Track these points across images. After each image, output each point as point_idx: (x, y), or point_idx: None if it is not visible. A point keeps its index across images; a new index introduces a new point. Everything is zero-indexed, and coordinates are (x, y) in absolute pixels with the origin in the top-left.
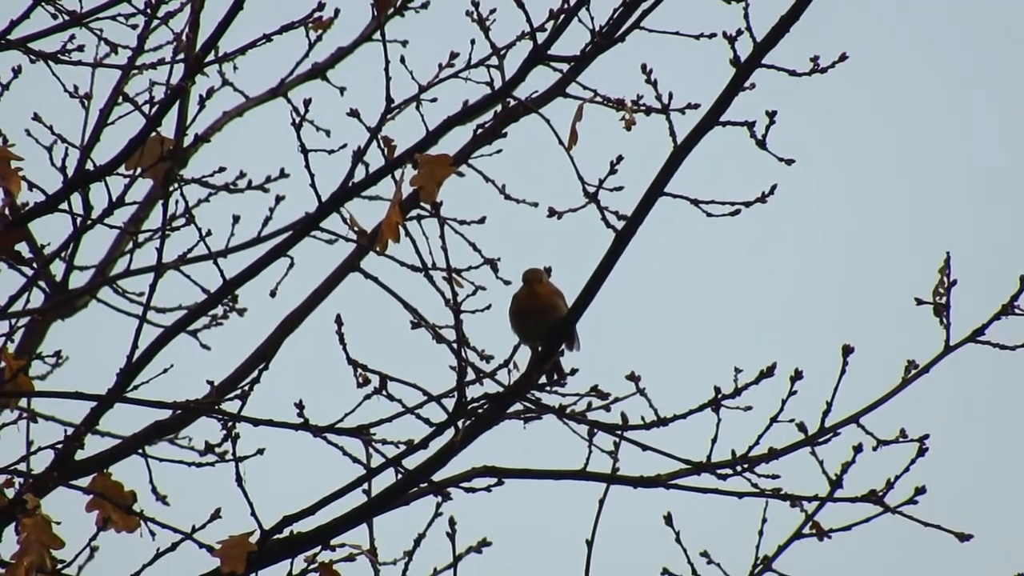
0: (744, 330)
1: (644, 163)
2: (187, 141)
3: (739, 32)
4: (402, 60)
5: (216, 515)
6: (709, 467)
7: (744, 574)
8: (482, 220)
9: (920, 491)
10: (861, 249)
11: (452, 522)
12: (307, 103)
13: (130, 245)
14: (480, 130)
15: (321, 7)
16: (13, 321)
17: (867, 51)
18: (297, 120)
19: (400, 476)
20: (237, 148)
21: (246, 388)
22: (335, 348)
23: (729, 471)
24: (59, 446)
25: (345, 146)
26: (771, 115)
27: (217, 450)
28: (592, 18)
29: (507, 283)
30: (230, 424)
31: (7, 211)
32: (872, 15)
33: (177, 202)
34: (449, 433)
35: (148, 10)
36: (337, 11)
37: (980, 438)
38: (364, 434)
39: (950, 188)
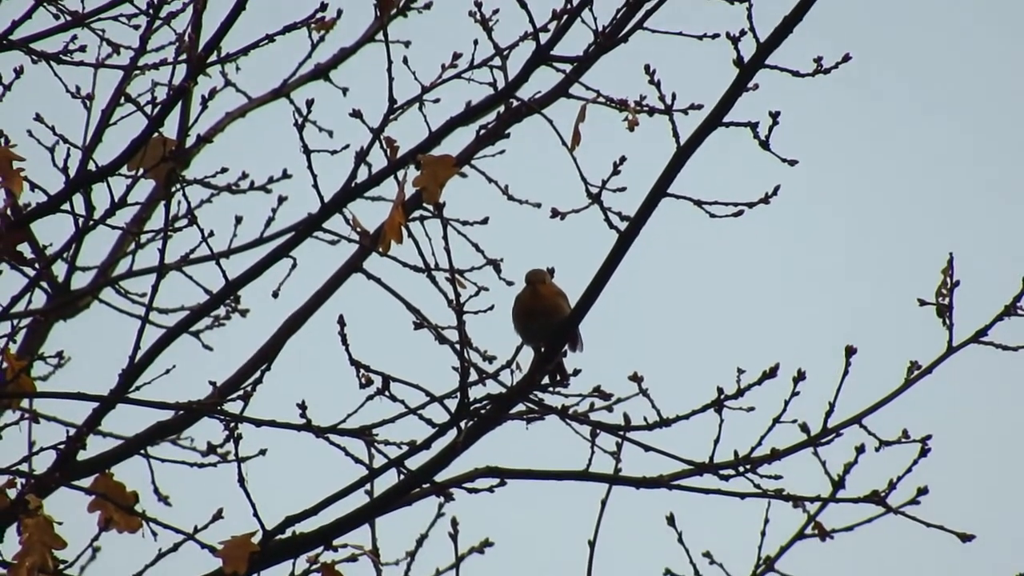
0: (747, 331)
1: (647, 164)
2: (189, 142)
3: (742, 33)
4: (405, 61)
5: (218, 516)
6: (711, 468)
7: (746, 574)
8: (485, 221)
9: (922, 492)
10: (864, 250)
11: (454, 523)
12: (310, 104)
13: (132, 246)
14: (483, 131)
15: (324, 7)
16: (15, 322)
17: (870, 52)
18: (300, 121)
19: (402, 477)
20: (239, 149)
21: (248, 389)
22: (338, 349)
23: (732, 472)
24: (61, 447)
25: (348, 147)
26: (774, 116)
27: (219, 451)
28: (595, 18)
29: (510, 284)
30: (232, 425)
31: (9, 212)
32: (875, 16)
33: (179, 203)
34: (451, 434)
35: (150, 10)
36: (340, 12)
37: (983, 439)
38: (366, 435)
39: (953, 188)
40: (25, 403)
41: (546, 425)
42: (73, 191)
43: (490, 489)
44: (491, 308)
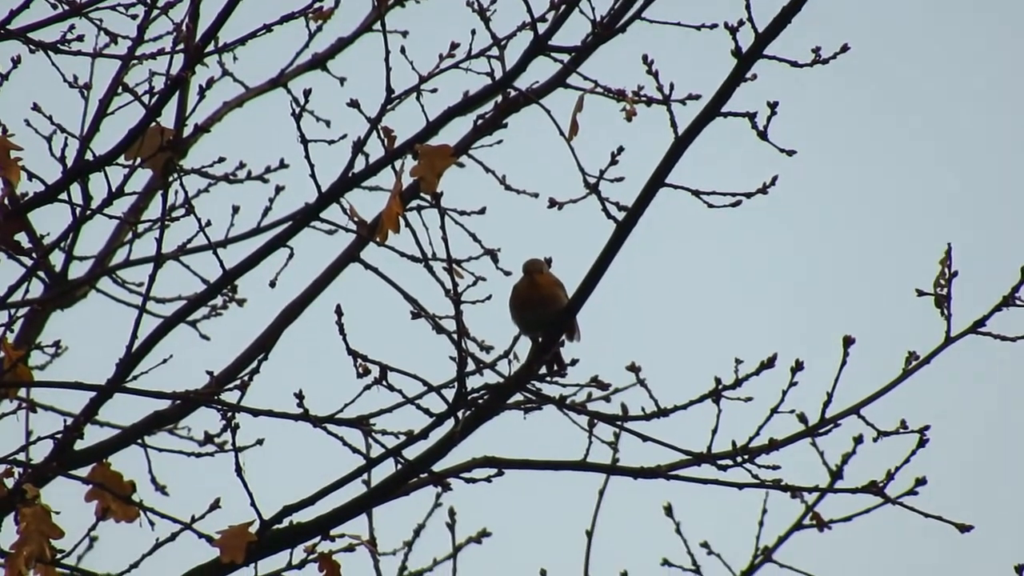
0: (745, 321)
1: (645, 154)
2: (187, 131)
3: (741, 23)
4: (402, 50)
5: (216, 505)
6: (709, 458)
7: (744, 565)
8: (482, 211)
9: (920, 482)
10: (862, 240)
11: (452, 512)
12: (307, 93)
13: (130, 235)
14: (480, 121)
15: None
16: (12, 311)
17: (869, 42)
18: (297, 110)
19: (400, 466)
20: (237, 138)
21: (246, 378)
22: (335, 338)
23: (729, 462)
24: (58, 436)
25: (345, 136)
26: (772, 106)
27: (216, 440)
28: (593, 8)
29: (507, 274)
30: (229, 414)
31: (6, 201)
32: (873, 6)
33: (177, 192)
34: (449, 423)
35: (148, 0)
36: (337, 1)
37: (981, 429)
38: (364, 424)
39: (952, 178)
40: (22, 392)
41: (544, 415)
42: (70, 180)
43: (488, 479)
44: (489, 298)
